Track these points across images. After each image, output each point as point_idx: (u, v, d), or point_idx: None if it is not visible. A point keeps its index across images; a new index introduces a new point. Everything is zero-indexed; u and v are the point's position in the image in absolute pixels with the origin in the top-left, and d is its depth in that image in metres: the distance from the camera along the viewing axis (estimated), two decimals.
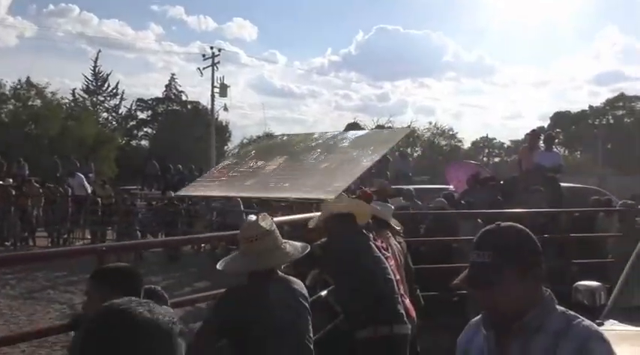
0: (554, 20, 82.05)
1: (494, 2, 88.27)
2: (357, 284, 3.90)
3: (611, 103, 55.87)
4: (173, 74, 48.45)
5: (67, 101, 38.07)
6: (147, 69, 74.52)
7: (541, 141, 9.87)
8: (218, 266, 3.15)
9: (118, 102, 44.04)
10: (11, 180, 15.92)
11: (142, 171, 23.52)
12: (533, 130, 10.86)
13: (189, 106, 46.41)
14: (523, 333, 1.76)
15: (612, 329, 2.83)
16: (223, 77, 34.34)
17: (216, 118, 38.28)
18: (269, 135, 46.14)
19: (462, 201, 8.30)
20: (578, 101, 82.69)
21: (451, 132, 55.95)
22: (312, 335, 3.05)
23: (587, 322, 1.74)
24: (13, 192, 14.84)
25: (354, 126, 53.39)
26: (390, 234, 4.77)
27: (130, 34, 62.48)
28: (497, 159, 56.21)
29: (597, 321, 2.00)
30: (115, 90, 43.40)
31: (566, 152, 52.04)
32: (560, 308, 1.80)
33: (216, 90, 33.72)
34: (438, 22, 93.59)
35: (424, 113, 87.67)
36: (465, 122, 78.32)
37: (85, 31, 62.87)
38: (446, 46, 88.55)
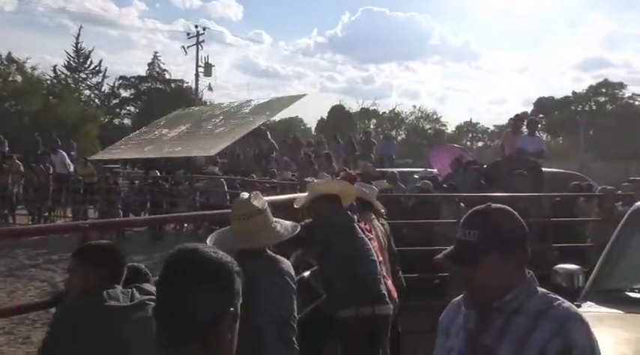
0: (539, 6, 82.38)
1: None
2: (340, 265, 3.92)
3: (595, 90, 56.29)
4: (156, 52, 48.07)
5: (48, 78, 37.52)
6: (130, 46, 73.70)
7: (524, 126, 9.93)
8: (208, 242, 3.13)
9: (100, 80, 43.50)
10: None
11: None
12: (517, 115, 10.90)
13: (172, 85, 45.98)
14: (503, 313, 1.78)
15: (589, 311, 2.88)
16: (208, 56, 34.14)
17: (201, 98, 37.99)
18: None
19: (445, 185, 8.35)
20: (562, 87, 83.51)
21: (435, 116, 56.16)
22: (296, 314, 3.08)
23: (566, 304, 1.77)
24: None
25: (338, 108, 53.41)
26: (373, 216, 4.80)
27: (112, 10, 61.85)
28: (480, 144, 56.63)
29: (575, 303, 2.04)
30: (97, 68, 42.83)
31: (549, 137, 52.46)
32: (541, 290, 1.83)
33: (201, 69, 33.44)
34: (425, 5, 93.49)
35: (409, 96, 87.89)
36: (449, 106, 78.85)
37: (66, 6, 61.86)
38: (432, 29, 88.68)
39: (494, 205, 1.87)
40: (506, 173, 8.22)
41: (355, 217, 4.27)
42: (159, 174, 15.36)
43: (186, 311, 1.31)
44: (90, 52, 42.13)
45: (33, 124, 24.95)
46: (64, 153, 16.38)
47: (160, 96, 44.23)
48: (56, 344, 2.57)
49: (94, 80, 43.30)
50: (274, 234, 3.13)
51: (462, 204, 6.81)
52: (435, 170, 10.96)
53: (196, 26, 34.76)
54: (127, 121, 46.13)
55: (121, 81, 45.49)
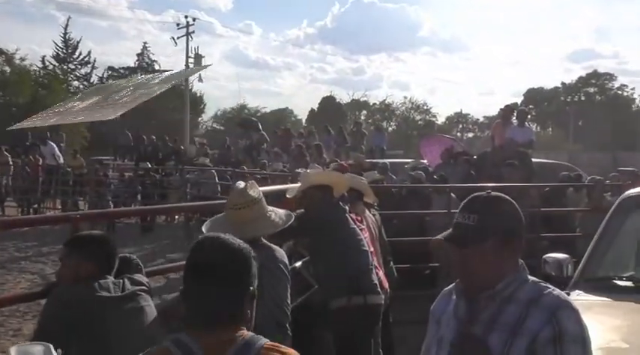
0: None
1: None
2: (332, 255, 3.94)
3: (584, 81, 56.52)
4: (146, 43, 47.65)
5: (36, 68, 37.18)
6: (119, 37, 73.10)
7: (514, 117, 9.97)
8: (203, 229, 3.14)
9: (89, 71, 43.13)
10: None
11: (114, 141, 23.16)
12: (507, 106, 10.92)
13: None
14: (494, 301, 1.80)
15: (578, 299, 2.91)
16: (198, 47, 33.70)
17: (191, 89, 37.73)
18: (243, 107, 45.87)
19: (435, 176, 8.37)
20: (552, 78, 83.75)
21: (426, 107, 56.20)
22: (289, 301, 3.09)
23: (557, 292, 1.79)
24: None
25: (329, 99, 53.34)
26: (364, 207, 4.82)
27: (101, 1, 61.10)
28: (470, 135, 56.74)
29: (564, 292, 2.05)
30: (86, 59, 42.45)
31: (539, 128, 52.71)
32: (531, 278, 1.84)
33: (191, 60, 33.15)
34: None
35: (399, 87, 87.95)
36: (439, 97, 78.94)
37: None
38: (422, 20, 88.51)
39: (493, 193, 1.89)
40: (495, 163, 8.25)
41: (347, 208, 4.28)
42: (149, 165, 15.30)
43: (214, 292, 1.52)
44: (78, 42, 41.82)
45: (22, 115, 24.70)
46: (54, 145, 16.28)
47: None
48: (47, 334, 2.57)
49: (83, 71, 42.98)
50: (270, 224, 3.15)
51: (452, 195, 6.84)
52: (426, 161, 10.99)
53: (186, 17, 34.25)
54: None
55: (110, 72, 45.16)
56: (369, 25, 76.16)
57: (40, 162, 15.57)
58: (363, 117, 50.98)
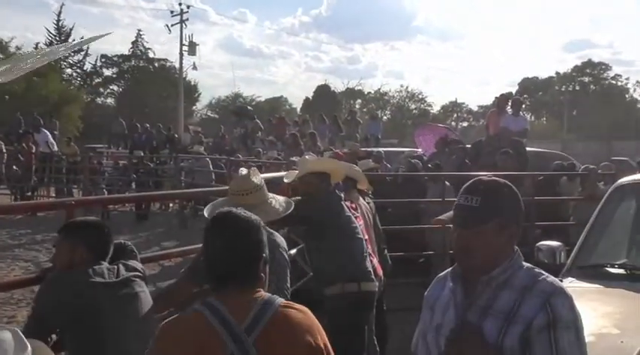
0: None
1: None
2: (327, 242, 3.95)
3: (579, 70, 56.56)
4: (140, 30, 47.30)
5: None
6: (112, 25, 72.19)
7: (509, 106, 9.97)
8: (205, 213, 3.21)
9: (82, 58, 42.87)
10: None
11: (108, 129, 23.08)
12: (502, 95, 10.92)
13: (156, 64, 45.46)
14: (490, 287, 1.81)
15: (571, 286, 2.94)
16: (192, 35, 33.54)
17: (185, 77, 37.59)
18: (238, 96, 45.77)
19: (430, 165, 8.39)
20: (547, 68, 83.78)
21: (421, 96, 56.18)
22: (289, 285, 3.12)
23: (551, 278, 1.81)
24: None
25: (324, 88, 53.24)
26: (358, 194, 4.82)
27: None
28: (465, 124, 56.76)
29: (557, 279, 2.07)
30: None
31: (533, 118, 52.79)
32: (526, 264, 1.86)
33: (185, 48, 32.96)
34: None
35: (394, 76, 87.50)
36: (434, 86, 78.88)
37: None
38: (417, 9, 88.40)
39: (496, 178, 1.92)
40: (490, 152, 8.27)
41: (342, 195, 4.29)
42: (142, 153, 15.26)
43: (237, 259, 1.77)
44: (71, 29, 41.53)
45: (16, 104, 24.55)
46: (47, 132, 16.20)
47: (143, 75, 43.78)
48: (41, 320, 2.58)
49: (76, 58, 42.72)
50: (272, 210, 3.18)
51: (447, 183, 6.86)
52: (420, 149, 11.01)
53: (180, 4, 34.04)
54: (110, 101, 45.66)
55: (103, 59, 44.92)
56: (364, 14, 76.08)
57: (34, 150, 15.48)
58: (357, 106, 50.90)
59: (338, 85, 55.90)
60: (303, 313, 1.80)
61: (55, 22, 40.83)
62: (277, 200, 3.28)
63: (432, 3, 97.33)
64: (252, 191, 3.11)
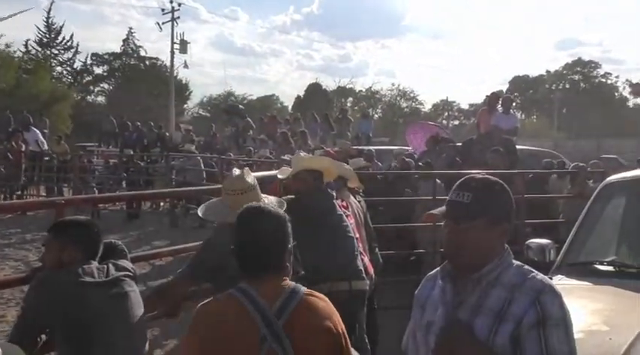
0: None
1: None
2: (319, 241, 3.94)
3: (570, 68, 56.86)
4: (131, 28, 47.20)
5: (20, 53, 36.69)
6: (103, 22, 72.03)
7: (499, 104, 10.01)
8: (199, 213, 3.28)
9: (72, 56, 42.62)
10: None
11: (98, 127, 22.94)
12: (493, 93, 10.97)
13: (147, 62, 45.27)
14: (480, 285, 1.82)
15: (560, 283, 2.95)
16: (183, 33, 33.45)
17: (176, 75, 37.45)
18: (229, 94, 45.71)
19: (421, 163, 8.41)
20: (538, 66, 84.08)
21: (412, 95, 56.26)
22: None
23: (540, 276, 1.82)
24: None
25: (315, 86, 53.19)
26: (349, 193, 4.82)
27: None
28: (456, 122, 56.89)
29: (547, 276, 2.08)
30: (69, 43, 41.93)
31: (524, 116, 53.01)
32: (516, 262, 1.87)
33: (176, 46, 32.84)
34: None
35: (385, 74, 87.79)
36: (425, 84, 78.94)
37: None
38: (408, 7, 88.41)
39: (487, 176, 1.94)
40: (480, 150, 8.30)
41: (334, 194, 4.29)
42: (133, 152, 15.20)
43: (268, 249, 1.94)
44: (61, 27, 41.29)
45: (5, 101, 24.36)
46: (37, 131, 16.07)
47: (134, 74, 43.58)
48: (30, 319, 2.57)
49: (66, 56, 42.48)
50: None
51: (438, 181, 6.87)
52: (411, 148, 11.02)
53: (171, 2, 33.92)
54: (100, 99, 45.41)
55: (93, 57, 44.69)
56: (355, 12, 76.10)
57: (23, 149, 15.37)
58: (349, 105, 50.90)
59: (329, 84, 55.90)
60: (324, 301, 2.00)
61: (45, 19, 40.60)
62: (269, 200, 3.31)
63: (422, 1, 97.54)
64: (247, 190, 3.16)
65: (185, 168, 13.28)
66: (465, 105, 59.48)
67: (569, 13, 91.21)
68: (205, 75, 79.31)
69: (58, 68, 42.13)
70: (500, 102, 10.06)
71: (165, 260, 7.42)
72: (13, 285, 4.16)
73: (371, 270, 4.39)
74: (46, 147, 15.96)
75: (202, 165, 12.84)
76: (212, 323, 1.85)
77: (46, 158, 15.45)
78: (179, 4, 33.21)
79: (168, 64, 35.54)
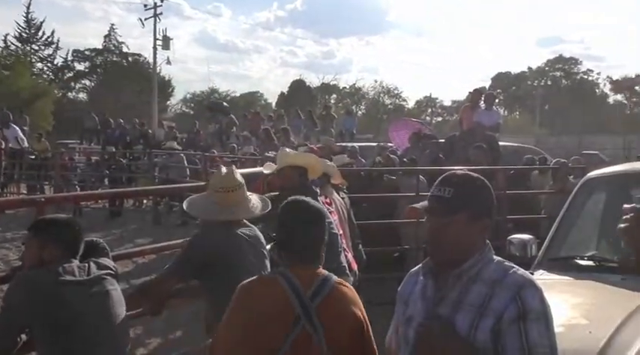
0: None
1: None
2: None
3: (551, 65, 57.36)
4: (113, 24, 46.68)
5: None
6: (84, 18, 71.38)
7: (482, 101, 10.06)
8: (185, 208, 3.32)
9: (52, 52, 42.13)
10: None
11: (80, 125, 22.71)
12: (476, 89, 11.03)
13: (129, 58, 44.90)
14: (461, 281, 1.83)
15: (541, 278, 2.98)
16: (166, 29, 33.18)
17: (159, 72, 37.19)
18: (213, 91, 45.47)
19: (405, 159, 8.44)
20: (520, 63, 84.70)
21: (396, 91, 56.41)
22: None
23: (521, 271, 1.83)
24: None
25: (299, 83, 53.11)
26: (332, 189, 4.82)
27: None
28: (439, 119, 57.16)
29: (529, 271, 2.10)
30: (50, 39, 41.44)
31: (506, 112, 53.39)
32: (497, 258, 1.88)
33: (159, 42, 32.58)
34: None
35: (369, 71, 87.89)
36: (409, 81, 79.15)
37: None
38: (391, 4, 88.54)
39: (469, 172, 1.96)
40: (463, 146, 8.34)
41: (318, 190, 4.29)
42: (115, 149, 15.07)
43: (310, 239, 2.14)
44: (42, 22, 40.77)
45: None
46: (17, 128, 15.87)
47: (116, 70, 43.21)
48: (10, 319, 2.54)
49: (46, 52, 41.99)
50: (252, 208, 3.26)
51: (421, 178, 6.90)
52: (394, 144, 11.05)
53: None
54: (82, 95, 44.96)
55: (75, 54, 44.20)
56: (339, 9, 76.09)
57: (3, 146, 15.17)
58: (333, 101, 50.92)
59: (313, 80, 55.84)
60: (351, 290, 2.18)
61: (25, 14, 40.08)
62: (253, 198, 3.34)
63: None
64: (237, 188, 3.18)
65: (168, 166, 13.21)
66: (448, 102, 59.83)
67: (551, 11, 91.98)
68: (188, 71, 78.94)
69: (39, 64, 41.67)
70: (482, 98, 10.11)
71: (148, 258, 7.38)
72: None
73: (354, 267, 4.39)
74: (26, 144, 15.78)
75: (185, 163, 12.78)
76: (252, 300, 2.04)
77: (32, 157, 15.26)
78: (162, 0, 32.95)
79: (150, 60, 35.32)
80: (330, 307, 2.05)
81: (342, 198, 4.94)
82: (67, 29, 74.74)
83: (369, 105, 55.97)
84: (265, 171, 4.48)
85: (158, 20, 32.60)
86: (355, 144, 10.80)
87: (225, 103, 21.98)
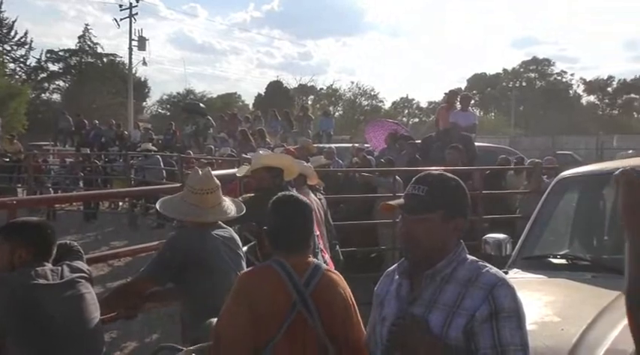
0: None
1: None
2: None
3: (526, 66, 58.10)
4: (87, 24, 46.17)
5: None
6: (58, 18, 70.48)
7: (458, 102, 10.13)
8: (158, 208, 3.33)
9: (25, 53, 41.46)
10: None
11: (54, 126, 22.37)
12: (452, 90, 11.10)
13: (104, 59, 44.38)
14: (435, 281, 1.85)
15: (516, 277, 3.02)
16: (142, 30, 32.80)
17: (134, 73, 36.80)
18: (189, 92, 45.15)
19: (382, 160, 8.47)
20: (496, 64, 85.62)
21: (372, 93, 56.58)
22: None
23: (494, 270, 1.86)
24: None
25: (276, 84, 53.00)
26: (309, 190, 4.82)
27: None
28: (416, 120, 57.48)
29: (503, 270, 2.13)
30: (23, 39, 40.77)
31: (482, 113, 53.91)
32: (470, 257, 1.91)
33: (134, 43, 32.23)
34: None
35: (346, 72, 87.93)
36: (385, 82, 79.45)
37: None
38: (369, 5, 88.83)
39: (444, 172, 2.00)
40: (440, 147, 8.39)
41: (294, 191, 4.28)
42: (89, 151, 14.88)
43: (299, 230, 2.26)
44: (14, 22, 40.10)
45: None
46: None
47: (91, 71, 42.68)
48: None
49: (19, 52, 41.30)
50: (228, 210, 3.26)
51: (397, 178, 6.93)
52: (370, 145, 11.08)
53: None
54: (55, 96, 44.32)
55: (48, 54, 43.57)
56: (316, 10, 76.12)
57: None
58: (310, 102, 50.89)
59: (290, 81, 55.75)
60: (339, 277, 2.31)
61: None
62: (227, 201, 3.34)
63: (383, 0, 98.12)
64: (215, 190, 3.20)
65: (144, 167, 13.07)
66: (424, 103, 60.19)
67: (526, 12, 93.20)
68: (164, 72, 78.39)
69: (11, 65, 40.93)
70: (458, 99, 10.17)
71: (124, 260, 7.31)
72: None
73: (332, 267, 4.39)
74: None
75: (162, 164, 12.66)
76: (253, 287, 2.14)
77: (5, 159, 14.99)
78: (137, 0, 32.59)
79: (126, 61, 34.91)
80: (323, 292, 2.17)
81: (319, 199, 4.94)
82: (41, 29, 73.67)
83: (346, 107, 56.05)
84: (238, 174, 4.46)
85: (134, 20, 32.24)
86: (332, 145, 10.82)
87: (201, 104, 21.79)
